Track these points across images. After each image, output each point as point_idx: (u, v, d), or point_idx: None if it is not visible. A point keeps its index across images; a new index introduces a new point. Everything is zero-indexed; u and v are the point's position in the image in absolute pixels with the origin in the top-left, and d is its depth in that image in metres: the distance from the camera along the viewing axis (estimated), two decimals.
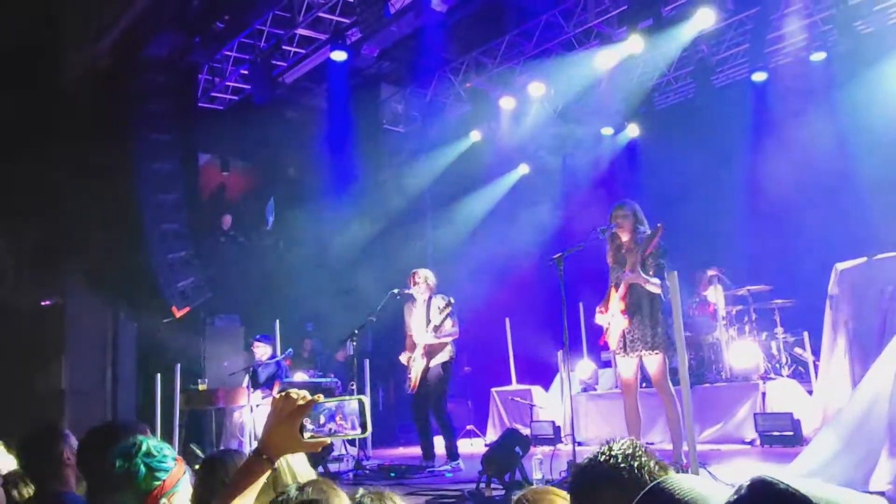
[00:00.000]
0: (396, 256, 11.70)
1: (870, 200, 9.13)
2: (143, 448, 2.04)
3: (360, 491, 1.95)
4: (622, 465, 1.60)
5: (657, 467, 1.62)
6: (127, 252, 10.10)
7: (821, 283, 7.52)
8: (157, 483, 2.01)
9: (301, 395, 1.73)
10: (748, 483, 0.88)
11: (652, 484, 1.18)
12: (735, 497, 0.90)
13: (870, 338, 6.74)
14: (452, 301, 7.17)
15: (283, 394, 1.75)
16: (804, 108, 10.17)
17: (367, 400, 1.78)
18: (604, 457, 1.63)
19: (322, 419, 1.75)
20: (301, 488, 1.76)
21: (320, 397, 1.74)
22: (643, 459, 1.60)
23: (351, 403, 1.77)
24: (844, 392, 6.82)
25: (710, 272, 9.44)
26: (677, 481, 1.16)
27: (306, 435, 1.71)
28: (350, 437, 1.82)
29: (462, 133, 12.80)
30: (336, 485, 1.85)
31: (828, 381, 7.24)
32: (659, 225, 5.46)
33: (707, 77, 11.00)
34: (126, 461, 2.01)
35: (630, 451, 1.63)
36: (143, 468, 2.00)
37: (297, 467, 2.44)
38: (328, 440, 1.78)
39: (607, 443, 1.69)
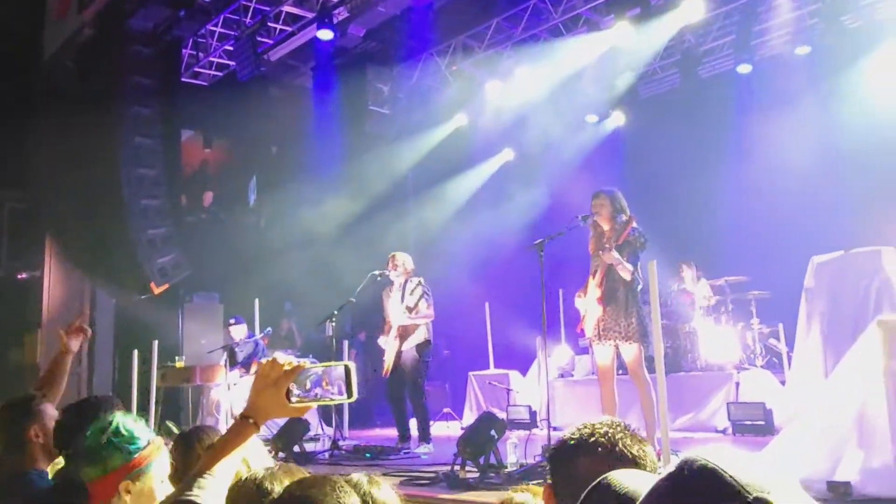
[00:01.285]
0: (378, 238, 11.67)
1: (849, 194, 9.22)
2: (115, 426, 2.05)
3: (355, 477, 1.97)
4: (599, 439, 1.65)
5: (632, 441, 1.67)
6: (106, 227, 10.03)
7: (797, 276, 7.59)
8: (120, 463, 2.02)
9: (288, 361, 1.75)
10: (678, 461, 0.90)
11: (599, 478, 1.22)
12: (664, 476, 0.92)
13: (844, 331, 6.81)
14: (422, 281, 7.19)
15: (271, 359, 1.76)
16: (788, 101, 10.22)
17: (353, 366, 1.80)
18: (585, 430, 1.69)
19: (308, 384, 1.77)
20: (272, 473, 1.77)
21: (306, 363, 1.76)
22: (619, 435, 1.66)
23: (337, 369, 1.79)
24: (817, 384, 6.91)
25: (686, 267, 9.54)
26: (620, 477, 1.21)
27: (293, 399, 1.73)
28: (336, 403, 1.84)
29: (447, 116, 12.77)
30: (305, 468, 1.87)
31: (801, 373, 7.33)
32: (630, 215, 5.50)
33: (693, 67, 11.05)
34: (95, 437, 2.02)
35: (608, 427, 1.68)
36: (111, 446, 2.02)
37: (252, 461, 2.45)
38: (314, 405, 1.79)
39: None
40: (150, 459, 2.12)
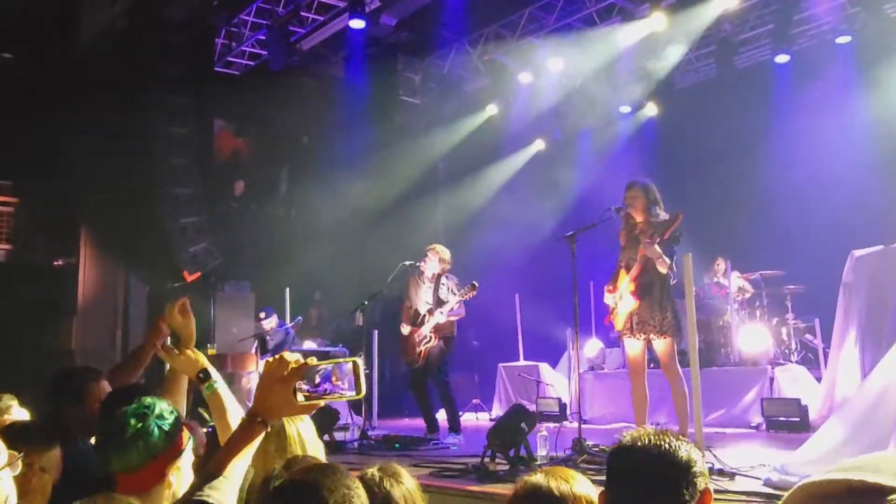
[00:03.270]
0: (408, 228, 11.67)
1: (889, 188, 9.01)
2: (157, 410, 2.04)
3: (369, 471, 1.95)
4: (659, 448, 1.66)
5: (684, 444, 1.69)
6: (139, 215, 10.13)
7: (833, 270, 7.45)
8: (167, 445, 2.01)
9: (295, 359, 1.73)
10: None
11: None
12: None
13: (883, 327, 6.68)
14: (476, 285, 7.11)
15: (278, 356, 1.74)
16: (827, 92, 10.00)
17: (360, 362, 1.79)
18: (640, 441, 1.69)
19: (318, 380, 1.76)
20: (287, 466, 1.75)
21: (313, 360, 1.74)
22: (674, 442, 1.68)
23: (346, 365, 1.79)
24: (853, 381, 6.78)
25: (721, 260, 9.42)
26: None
27: (300, 397, 1.71)
28: (345, 399, 1.83)
29: (479, 106, 12.71)
30: (332, 460, 1.85)
31: (837, 370, 7.20)
32: (679, 212, 5.37)
33: (729, 57, 10.84)
34: (140, 421, 2.00)
35: (660, 437, 1.70)
36: (156, 429, 2.00)
37: (305, 435, 2.44)
38: (322, 402, 1.78)
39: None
40: (187, 442, 2.12)
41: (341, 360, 1.81)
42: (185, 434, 2.11)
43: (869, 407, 4.05)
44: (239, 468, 1.73)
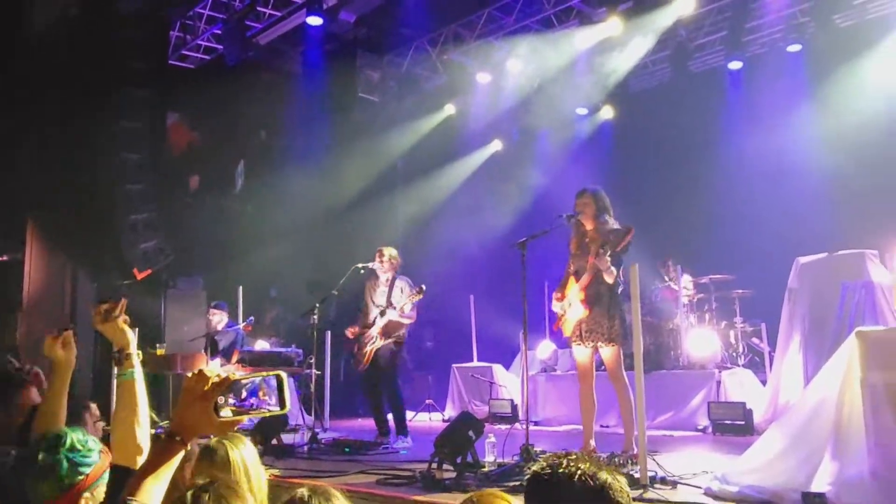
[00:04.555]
0: (366, 226, 11.63)
1: (836, 195, 9.22)
2: (68, 442, 2.00)
3: (300, 492, 1.94)
4: (577, 473, 1.65)
5: (606, 474, 1.67)
6: (90, 211, 9.91)
7: (781, 276, 7.60)
8: (80, 478, 1.98)
9: (215, 374, 1.67)
10: None
11: None
12: None
13: (825, 333, 6.84)
14: (423, 289, 7.13)
15: (197, 372, 1.68)
16: (778, 99, 10.21)
17: (285, 376, 1.74)
18: (561, 468, 1.67)
19: (244, 394, 1.71)
20: (197, 493, 1.72)
21: (235, 375, 1.69)
22: (593, 467, 1.66)
23: (273, 379, 1.73)
24: (797, 386, 6.93)
25: (671, 262, 9.55)
26: None
27: (222, 413, 1.65)
28: (270, 415, 1.79)
29: (437, 105, 12.72)
30: (281, 465, 1.83)
31: (781, 374, 7.35)
32: (630, 228, 5.44)
33: (684, 62, 11.00)
34: (49, 454, 1.97)
35: (580, 460, 1.68)
36: (65, 462, 1.97)
37: (249, 460, 2.42)
38: (245, 418, 1.72)
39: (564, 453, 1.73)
40: (105, 469, 2.08)
41: (265, 373, 1.75)
42: (104, 461, 2.07)
43: (807, 418, 4.13)
44: (156, 491, 1.64)
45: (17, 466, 2.15)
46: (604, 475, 1.65)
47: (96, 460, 2.03)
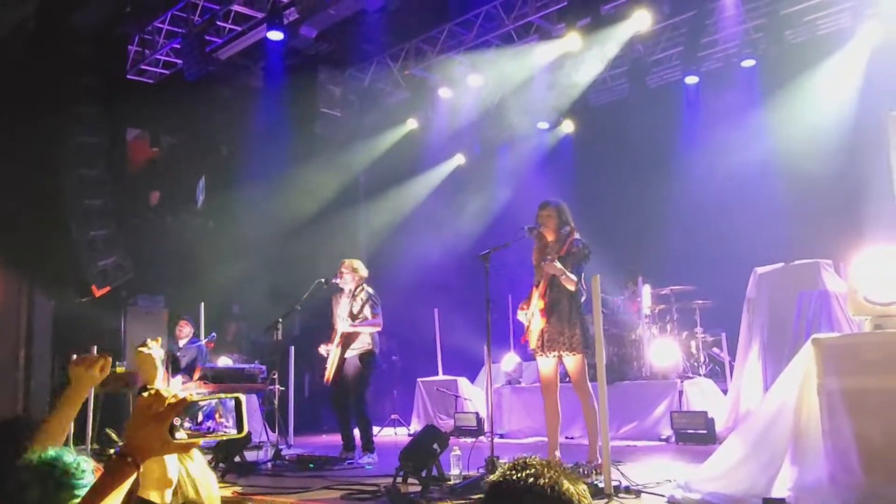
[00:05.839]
0: (328, 241, 11.57)
1: (790, 206, 9.43)
2: (62, 467, 1.92)
3: None
4: (537, 481, 1.63)
5: (567, 481, 1.66)
6: (46, 227, 9.74)
7: (739, 286, 7.76)
8: (76, 501, 1.90)
9: (173, 394, 1.63)
10: None
11: None
12: None
13: (783, 342, 6.98)
14: (371, 291, 7.13)
15: (153, 392, 1.63)
16: (732, 113, 10.43)
17: (243, 398, 1.72)
18: (528, 472, 1.66)
19: (200, 417, 1.67)
20: None
21: (192, 396, 1.66)
22: (554, 475, 1.65)
23: (231, 402, 1.69)
24: (756, 394, 7.06)
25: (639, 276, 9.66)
26: None
27: (177, 435, 1.61)
28: (227, 438, 1.76)
29: (399, 120, 12.74)
30: (243, 483, 1.81)
31: (741, 383, 7.49)
32: (571, 226, 5.55)
33: (641, 77, 11.17)
34: (43, 485, 1.88)
35: (543, 468, 1.67)
36: (62, 490, 1.89)
37: (195, 473, 2.38)
38: (200, 441, 1.69)
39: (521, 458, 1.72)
40: None
41: (223, 396, 1.72)
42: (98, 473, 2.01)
43: (766, 425, 4.20)
44: None
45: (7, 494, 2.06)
46: (565, 483, 1.64)
47: (90, 481, 1.96)
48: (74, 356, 2.54)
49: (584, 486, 1.69)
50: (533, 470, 1.66)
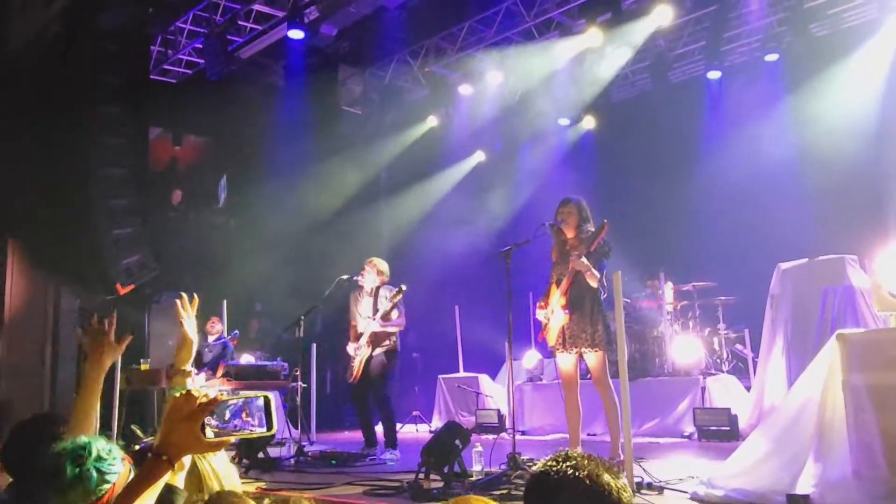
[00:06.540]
0: (350, 238, 11.62)
1: (815, 202, 9.33)
2: (94, 452, 1.97)
3: (266, 501, 1.94)
4: (581, 474, 1.67)
5: (607, 475, 1.69)
6: (71, 226, 9.84)
7: (764, 282, 7.68)
8: (107, 486, 1.95)
9: (203, 394, 1.68)
10: None
11: None
12: None
13: (807, 338, 6.91)
14: (404, 288, 7.12)
15: (185, 392, 1.69)
16: (756, 107, 10.33)
17: (272, 397, 1.75)
18: (556, 465, 1.70)
19: (227, 415, 1.71)
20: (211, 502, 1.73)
21: (222, 395, 1.70)
22: (594, 468, 1.69)
23: (258, 400, 1.74)
24: (780, 390, 6.99)
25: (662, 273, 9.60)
26: None
27: (209, 433, 1.66)
28: (255, 436, 1.79)
29: (419, 117, 12.76)
30: (267, 479, 1.83)
31: (765, 379, 7.42)
32: (604, 221, 5.47)
33: (663, 72, 11.12)
34: (77, 466, 1.93)
35: (587, 460, 1.71)
36: (94, 473, 1.94)
37: (219, 468, 2.41)
38: (231, 438, 1.73)
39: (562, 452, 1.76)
40: (127, 477, 2.06)
41: (252, 394, 1.75)
42: (126, 468, 2.05)
43: (790, 421, 4.17)
44: None
45: (30, 482, 2.11)
46: (605, 476, 1.67)
47: (120, 469, 2.01)
48: (80, 329, 2.61)
49: (625, 482, 1.70)
50: (574, 462, 1.69)
